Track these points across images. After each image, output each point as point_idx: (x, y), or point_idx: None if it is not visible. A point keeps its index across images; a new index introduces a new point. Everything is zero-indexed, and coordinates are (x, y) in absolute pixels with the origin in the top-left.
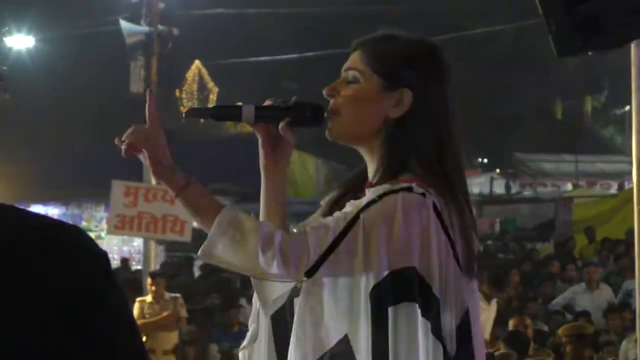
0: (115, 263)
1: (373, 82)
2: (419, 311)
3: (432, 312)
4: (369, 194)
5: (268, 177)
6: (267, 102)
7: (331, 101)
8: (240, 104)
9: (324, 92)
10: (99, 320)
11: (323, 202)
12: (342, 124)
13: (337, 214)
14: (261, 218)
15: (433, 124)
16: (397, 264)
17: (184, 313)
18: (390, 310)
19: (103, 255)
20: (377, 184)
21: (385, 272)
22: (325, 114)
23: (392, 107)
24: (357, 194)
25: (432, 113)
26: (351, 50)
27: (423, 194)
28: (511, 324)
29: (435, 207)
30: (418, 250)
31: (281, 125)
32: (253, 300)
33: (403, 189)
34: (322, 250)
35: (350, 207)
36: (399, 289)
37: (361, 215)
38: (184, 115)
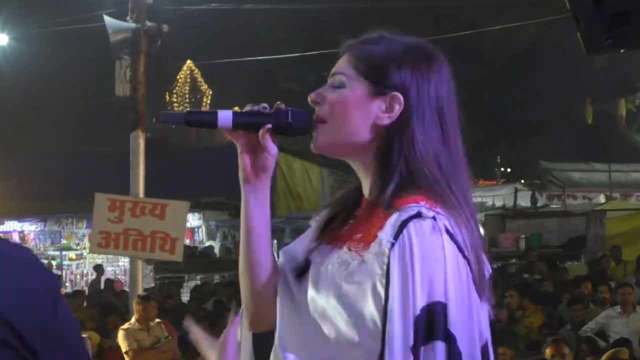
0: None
1: (361, 87)
2: (444, 347)
3: (453, 351)
4: (383, 239)
5: (249, 192)
6: (247, 108)
7: (316, 109)
8: (235, 108)
9: (309, 99)
10: (49, 353)
11: (313, 222)
12: (327, 133)
13: (360, 281)
14: (242, 238)
15: (428, 131)
16: (422, 301)
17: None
18: (421, 350)
19: (53, 281)
20: (375, 202)
21: (414, 314)
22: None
23: (381, 114)
24: (352, 213)
25: (427, 118)
26: (340, 53)
27: (434, 217)
28: (547, 353)
29: (447, 229)
30: (439, 282)
31: (261, 132)
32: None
33: (412, 217)
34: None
35: (373, 265)
36: (426, 327)
37: (391, 279)
38: (154, 121)
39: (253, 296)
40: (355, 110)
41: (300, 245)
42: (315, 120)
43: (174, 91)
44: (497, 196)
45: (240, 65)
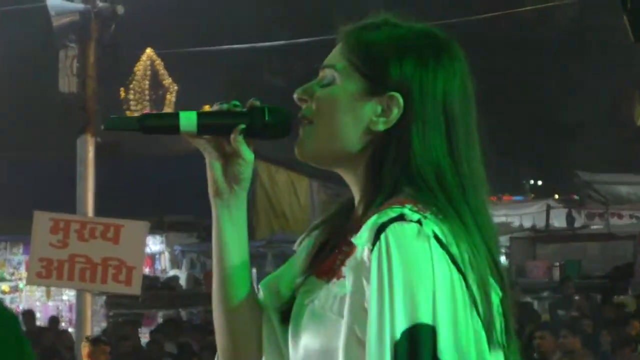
0: (37, 323)
1: (354, 85)
2: None
3: None
4: (359, 246)
5: (221, 209)
6: (215, 107)
7: (303, 108)
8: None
9: (295, 96)
10: None
11: (297, 247)
12: (313, 138)
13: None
14: (215, 267)
15: (430, 141)
16: (403, 324)
17: None
18: None
19: (13, 320)
20: (362, 220)
21: (393, 339)
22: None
23: (376, 117)
24: (347, 235)
25: (430, 125)
26: (336, 41)
27: (419, 221)
28: None
29: (436, 236)
30: (425, 299)
31: (232, 135)
32: None
33: (392, 220)
34: None
35: (347, 281)
36: (408, 356)
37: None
38: (102, 127)
39: (230, 339)
40: (345, 112)
41: (285, 276)
42: (301, 121)
43: (131, 86)
44: (525, 215)
45: (213, 55)
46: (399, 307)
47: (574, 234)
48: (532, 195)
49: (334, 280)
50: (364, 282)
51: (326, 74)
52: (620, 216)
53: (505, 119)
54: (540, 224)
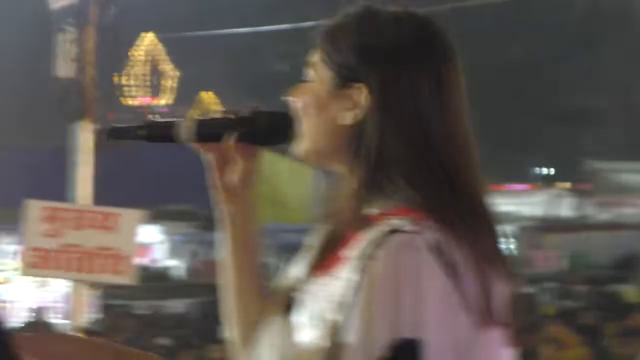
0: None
1: (325, 80)
2: None
3: None
4: (350, 257)
5: (225, 215)
6: (216, 114)
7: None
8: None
9: (287, 98)
10: None
11: (308, 240)
12: (301, 140)
13: (319, 314)
14: (224, 277)
15: (406, 131)
16: (386, 338)
17: None
18: None
19: None
20: (352, 219)
21: (377, 355)
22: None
23: (342, 112)
24: (354, 227)
25: (402, 115)
26: None
27: (416, 232)
28: None
29: (433, 245)
30: (408, 312)
31: (225, 143)
32: None
33: (388, 233)
34: None
35: (331, 289)
36: None
37: (351, 305)
38: (106, 137)
39: (245, 349)
40: (318, 109)
41: (297, 270)
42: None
43: (131, 72)
44: (532, 204)
45: (216, 39)
46: (379, 322)
47: (582, 224)
48: (540, 183)
49: (325, 281)
50: (336, 293)
51: (307, 70)
52: (629, 205)
53: (515, 105)
54: (549, 213)
